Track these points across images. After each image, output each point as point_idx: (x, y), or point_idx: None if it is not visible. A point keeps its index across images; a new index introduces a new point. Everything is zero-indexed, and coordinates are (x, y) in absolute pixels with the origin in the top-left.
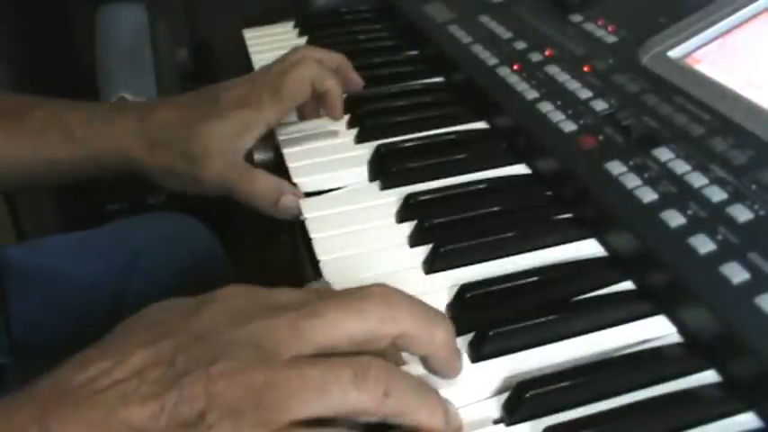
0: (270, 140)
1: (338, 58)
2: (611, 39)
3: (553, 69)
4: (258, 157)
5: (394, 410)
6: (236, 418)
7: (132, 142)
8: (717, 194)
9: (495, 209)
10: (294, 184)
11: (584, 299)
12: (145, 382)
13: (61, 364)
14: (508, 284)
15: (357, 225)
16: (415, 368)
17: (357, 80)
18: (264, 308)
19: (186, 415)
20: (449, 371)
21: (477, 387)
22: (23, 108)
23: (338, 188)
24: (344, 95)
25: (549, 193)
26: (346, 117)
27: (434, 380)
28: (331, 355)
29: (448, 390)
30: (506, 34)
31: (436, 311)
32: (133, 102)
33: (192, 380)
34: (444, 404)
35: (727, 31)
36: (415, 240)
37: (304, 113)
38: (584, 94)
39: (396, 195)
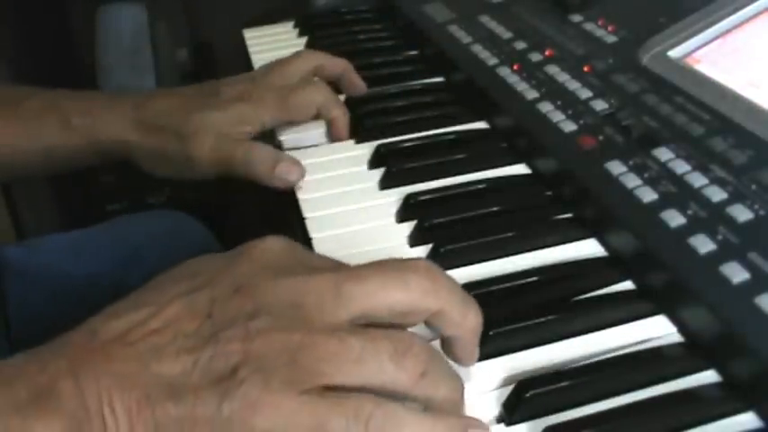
0: (270, 141)
1: (342, 64)
2: (611, 39)
3: (553, 69)
4: None
5: (426, 393)
6: (269, 374)
7: (129, 128)
8: (717, 194)
9: (495, 209)
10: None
11: (584, 299)
12: (180, 334)
13: (92, 316)
14: (508, 284)
15: (357, 225)
16: None
17: (360, 85)
18: (306, 265)
19: (220, 370)
20: (469, 356)
21: (477, 387)
22: (19, 97)
23: (338, 188)
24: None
25: (549, 193)
26: None
27: None
28: (369, 326)
29: None
30: (506, 34)
31: (470, 297)
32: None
33: (230, 335)
34: (466, 421)
35: (727, 31)
36: (415, 240)
37: None
38: (584, 94)
39: (396, 195)
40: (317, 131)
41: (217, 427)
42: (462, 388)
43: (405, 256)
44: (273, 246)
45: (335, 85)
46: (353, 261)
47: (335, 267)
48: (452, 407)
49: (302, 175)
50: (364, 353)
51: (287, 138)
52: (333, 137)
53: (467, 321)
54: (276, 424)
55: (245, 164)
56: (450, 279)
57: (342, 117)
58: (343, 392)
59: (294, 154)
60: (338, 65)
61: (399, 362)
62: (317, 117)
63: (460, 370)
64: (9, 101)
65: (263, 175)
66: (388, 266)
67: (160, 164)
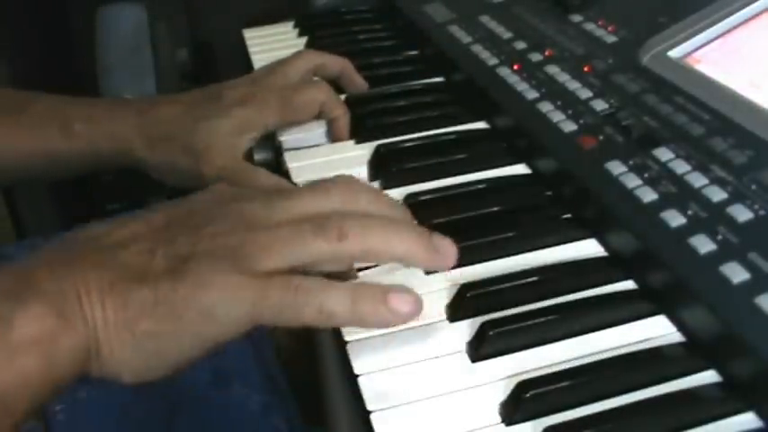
0: (270, 140)
1: (341, 62)
2: (611, 39)
3: (553, 69)
4: (258, 156)
5: (354, 250)
6: (215, 261)
7: (132, 136)
8: (717, 194)
9: (495, 209)
10: (294, 184)
11: (585, 299)
12: (141, 238)
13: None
14: (508, 284)
15: None
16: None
17: (361, 83)
18: (245, 195)
19: (174, 261)
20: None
21: (476, 387)
22: (23, 102)
23: None
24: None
25: (549, 193)
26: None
27: (434, 379)
28: None
29: (447, 389)
30: (506, 34)
31: (395, 200)
32: (134, 97)
33: (181, 240)
34: (426, 236)
35: (728, 31)
36: None
37: None
38: (585, 94)
39: (396, 195)
40: (317, 131)
41: (173, 304)
42: (409, 229)
43: None
44: (220, 186)
45: (335, 85)
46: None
47: (273, 193)
48: (405, 249)
49: None
50: (290, 235)
51: (287, 138)
52: (333, 136)
53: (395, 214)
54: (222, 298)
55: None
56: (370, 188)
57: (343, 117)
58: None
59: (294, 154)
60: (338, 63)
61: (318, 233)
62: (318, 116)
63: (460, 374)
64: (12, 106)
65: None
66: (314, 184)
67: (170, 175)
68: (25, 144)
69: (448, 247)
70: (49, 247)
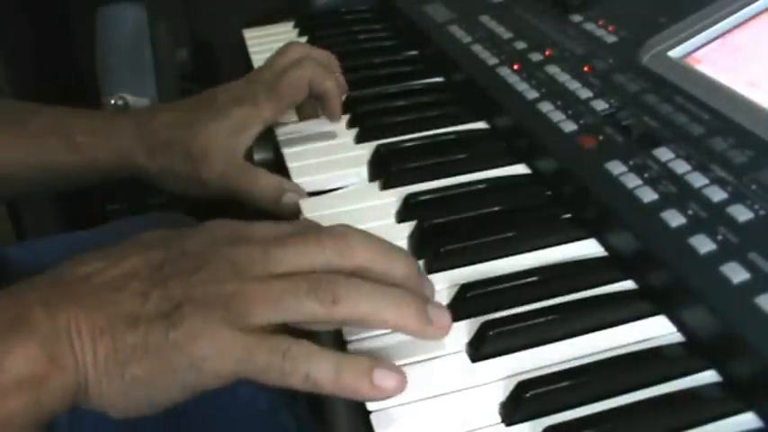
0: (270, 140)
1: (326, 55)
2: (611, 39)
3: (553, 69)
4: (258, 156)
5: (346, 315)
6: (207, 312)
7: (133, 146)
8: (717, 194)
9: (495, 209)
10: (296, 185)
11: (585, 299)
12: (135, 279)
13: (63, 262)
14: (508, 284)
15: (357, 225)
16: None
17: (342, 83)
18: (242, 238)
19: (167, 307)
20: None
21: (476, 387)
22: (24, 114)
23: (338, 188)
24: (344, 97)
25: (549, 193)
26: (346, 117)
27: (434, 379)
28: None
29: (447, 389)
30: (506, 34)
31: (397, 248)
32: (133, 108)
33: (175, 283)
34: (421, 307)
35: (728, 31)
36: (415, 240)
37: (303, 113)
38: (585, 94)
39: (396, 195)
40: (316, 132)
41: (163, 352)
42: (403, 297)
43: None
44: (217, 224)
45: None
46: None
47: (271, 236)
48: (396, 317)
49: (303, 195)
50: (284, 293)
51: (285, 138)
52: (327, 111)
53: (393, 270)
54: (212, 352)
55: (249, 196)
56: (366, 238)
57: (333, 89)
58: (279, 333)
59: (293, 153)
60: (323, 56)
61: (312, 294)
62: (311, 94)
63: (460, 374)
64: (14, 118)
65: (267, 207)
66: (310, 233)
67: (170, 183)
68: (27, 157)
69: (443, 319)
70: (42, 278)
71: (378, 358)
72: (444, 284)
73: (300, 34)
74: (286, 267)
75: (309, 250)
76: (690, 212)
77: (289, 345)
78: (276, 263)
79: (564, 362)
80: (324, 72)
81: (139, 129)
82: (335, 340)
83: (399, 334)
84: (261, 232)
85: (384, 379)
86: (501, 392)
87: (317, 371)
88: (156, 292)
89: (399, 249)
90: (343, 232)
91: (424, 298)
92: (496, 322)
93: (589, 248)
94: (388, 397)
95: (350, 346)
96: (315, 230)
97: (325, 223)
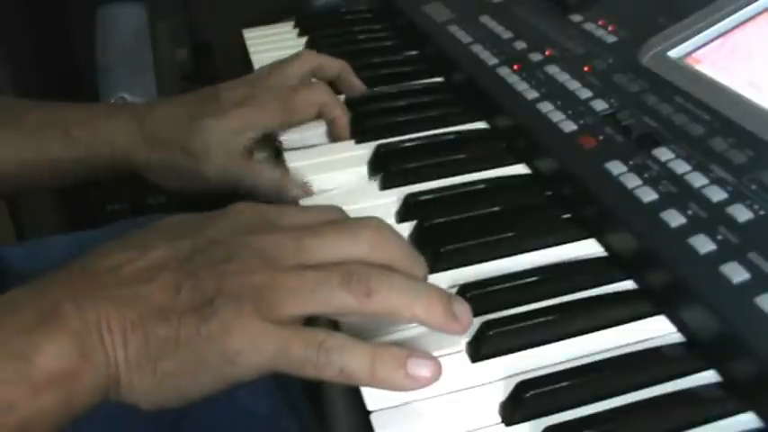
0: (270, 140)
1: (339, 64)
2: (611, 39)
3: (553, 69)
4: (258, 157)
5: (378, 308)
6: (240, 305)
7: (131, 140)
8: (717, 194)
9: (495, 209)
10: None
11: (585, 299)
12: (165, 270)
13: (87, 254)
14: (508, 284)
15: None
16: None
17: (359, 85)
18: (272, 224)
19: (198, 300)
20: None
21: (476, 387)
22: (20, 110)
23: (338, 188)
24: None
25: (549, 193)
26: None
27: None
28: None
29: (447, 389)
30: (506, 34)
31: (417, 253)
32: (132, 102)
33: (206, 274)
34: (447, 302)
35: (728, 31)
36: (415, 240)
37: None
38: (584, 94)
39: (396, 195)
40: (316, 131)
41: (195, 346)
42: (431, 293)
43: None
44: (245, 207)
45: (334, 87)
46: None
47: (302, 225)
48: (424, 312)
49: (310, 192)
50: (317, 284)
51: (287, 138)
52: (333, 137)
53: (417, 268)
54: (245, 345)
55: (251, 189)
56: (399, 237)
57: (342, 117)
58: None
59: (294, 154)
60: (336, 65)
61: (345, 286)
62: (317, 117)
63: (460, 374)
64: (11, 114)
65: (269, 200)
66: (344, 223)
67: (169, 178)
68: (23, 152)
69: (466, 316)
70: (68, 271)
71: (411, 348)
72: (444, 284)
73: (300, 34)
74: (318, 258)
75: (343, 241)
76: (690, 212)
77: (324, 338)
78: (308, 253)
79: (564, 362)
80: (335, 100)
81: (138, 122)
82: None
83: (399, 335)
84: (290, 219)
85: (419, 368)
86: (501, 392)
87: (352, 364)
88: (187, 284)
89: (417, 253)
90: (378, 225)
91: (448, 294)
92: (496, 322)
93: (589, 248)
94: (423, 387)
95: None
96: (348, 221)
97: None
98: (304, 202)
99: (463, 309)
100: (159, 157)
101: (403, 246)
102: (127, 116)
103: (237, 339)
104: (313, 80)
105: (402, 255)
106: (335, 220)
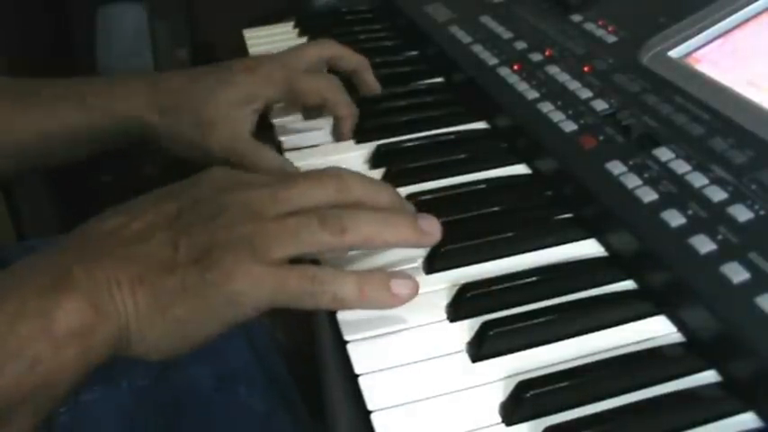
0: (270, 140)
1: (358, 60)
2: (611, 39)
3: (553, 69)
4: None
5: (353, 241)
6: (236, 252)
7: (144, 106)
8: (717, 194)
9: (495, 209)
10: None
11: (585, 299)
12: (158, 229)
13: (83, 224)
14: (508, 284)
15: None
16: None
17: (374, 83)
18: (245, 183)
19: (196, 253)
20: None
21: (476, 387)
22: (38, 85)
23: None
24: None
25: (549, 193)
26: None
27: (435, 379)
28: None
29: (447, 389)
30: (506, 34)
31: (379, 181)
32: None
33: (198, 230)
34: (413, 221)
35: (728, 31)
36: None
37: (307, 113)
38: (585, 94)
39: None
40: (317, 132)
41: (202, 292)
42: (399, 219)
43: (405, 256)
44: (219, 170)
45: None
46: (356, 261)
47: (273, 180)
48: (395, 236)
49: None
50: (298, 228)
51: (287, 138)
52: (337, 135)
53: (381, 198)
54: (247, 286)
55: (252, 170)
56: (357, 176)
57: (350, 117)
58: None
59: (294, 154)
60: (354, 59)
61: (323, 227)
62: (321, 109)
63: (460, 374)
64: (28, 90)
65: None
66: (308, 174)
67: (177, 144)
68: (44, 123)
69: (433, 226)
70: (70, 240)
71: (389, 271)
72: (444, 284)
73: (300, 34)
74: (294, 206)
75: (313, 189)
76: (690, 212)
77: (315, 271)
78: (284, 203)
79: (564, 362)
80: (344, 99)
81: (152, 88)
82: (336, 340)
83: (399, 335)
84: (259, 178)
85: (401, 287)
86: (501, 392)
87: (343, 289)
88: (183, 240)
89: (381, 182)
90: (338, 172)
91: (412, 213)
92: (496, 322)
93: (589, 248)
94: (403, 303)
95: (349, 347)
96: (311, 171)
97: None
98: None
99: (429, 222)
100: (169, 123)
101: (363, 183)
102: (142, 83)
103: (239, 282)
104: (330, 75)
105: (365, 191)
106: (304, 174)
